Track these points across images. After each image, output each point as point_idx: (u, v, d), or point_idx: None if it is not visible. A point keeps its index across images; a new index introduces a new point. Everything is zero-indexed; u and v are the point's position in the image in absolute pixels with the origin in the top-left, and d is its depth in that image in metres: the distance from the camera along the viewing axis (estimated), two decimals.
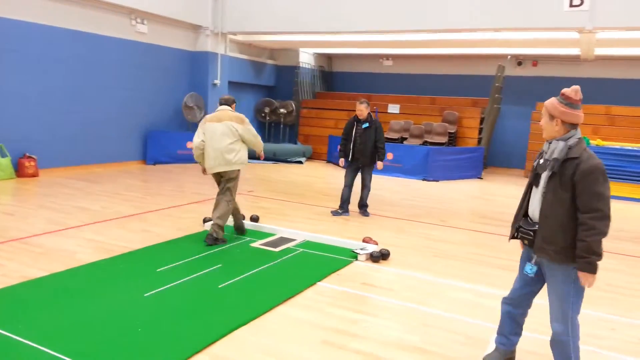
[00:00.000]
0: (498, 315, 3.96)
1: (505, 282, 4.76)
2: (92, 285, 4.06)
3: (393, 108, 14.13)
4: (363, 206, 7.31)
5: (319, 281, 4.45)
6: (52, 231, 5.56)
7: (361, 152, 6.93)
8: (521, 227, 2.91)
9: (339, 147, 7.18)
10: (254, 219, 6.42)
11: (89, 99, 10.07)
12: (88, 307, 3.65)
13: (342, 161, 7.16)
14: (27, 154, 8.88)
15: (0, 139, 8.55)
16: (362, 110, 6.89)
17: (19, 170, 8.72)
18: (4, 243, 5.04)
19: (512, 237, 3.01)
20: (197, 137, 5.40)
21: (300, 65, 15.73)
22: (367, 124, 6.91)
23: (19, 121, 8.83)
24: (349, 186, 7.17)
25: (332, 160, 13.66)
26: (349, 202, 7.24)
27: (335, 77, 17.37)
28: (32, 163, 8.86)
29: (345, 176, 7.19)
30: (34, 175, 8.85)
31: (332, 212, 7.27)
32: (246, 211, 6.88)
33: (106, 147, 10.55)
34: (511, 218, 3.07)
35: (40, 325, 3.32)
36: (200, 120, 6.30)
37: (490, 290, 4.51)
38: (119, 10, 10.38)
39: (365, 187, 7.22)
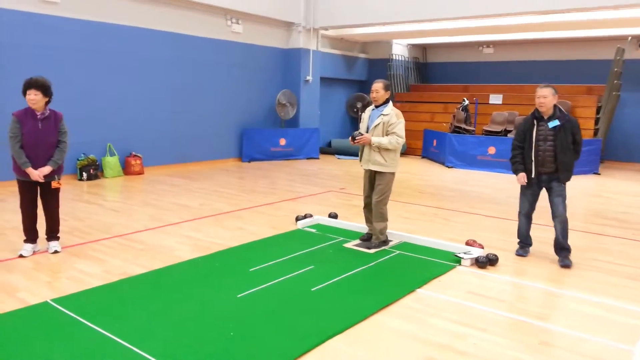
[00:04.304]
0: (635, 335, 3.37)
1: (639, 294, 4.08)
2: (188, 284, 4.04)
3: (495, 98, 13.20)
4: (563, 250, 4.82)
5: (419, 288, 4.09)
6: (153, 228, 5.72)
7: (548, 163, 4.71)
8: None
9: (511, 158, 4.99)
10: (332, 216, 6.19)
11: (189, 99, 10.44)
12: (182, 307, 3.61)
13: (522, 177, 4.89)
14: (134, 153, 9.37)
15: (109, 138, 9.10)
16: (547, 100, 4.61)
17: (125, 168, 9.23)
18: (109, 239, 5.25)
19: None
20: None
21: (393, 57, 15.25)
22: (555, 122, 4.65)
23: (125, 121, 9.34)
24: (528, 215, 5.05)
25: (427, 155, 13.06)
26: (530, 238, 5.13)
27: (430, 69, 16.65)
28: (138, 161, 9.34)
29: (522, 200, 5.04)
30: (140, 172, 9.33)
31: (516, 252, 5.13)
32: (338, 209, 6.66)
33: (205, 145, 10.90)
34: (637, 219, 2.51)
35: (134, 324, 3.31)
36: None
37: (622, 305, 3.86)
38: (215, 11, 10.65)
39: (559, 218, 4.78)
